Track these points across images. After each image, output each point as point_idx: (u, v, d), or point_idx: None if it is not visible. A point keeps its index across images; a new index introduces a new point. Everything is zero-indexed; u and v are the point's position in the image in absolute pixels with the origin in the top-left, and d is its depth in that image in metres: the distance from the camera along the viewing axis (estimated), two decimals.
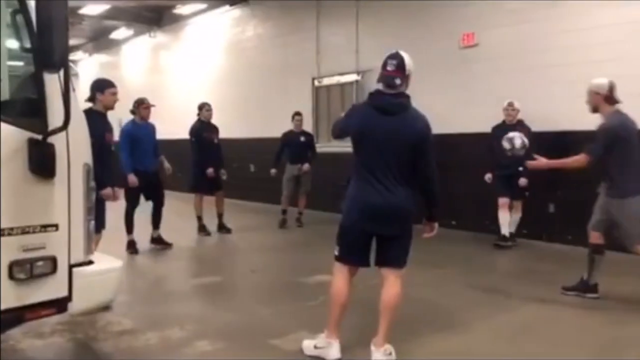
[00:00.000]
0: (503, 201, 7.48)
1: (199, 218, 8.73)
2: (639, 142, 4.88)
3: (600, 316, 4.74)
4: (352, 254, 3.72)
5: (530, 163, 5.23)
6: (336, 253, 3.76)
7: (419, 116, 3.69)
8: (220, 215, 8.88)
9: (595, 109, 4.98)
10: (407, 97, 3.67)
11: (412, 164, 3.62)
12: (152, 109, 7.54)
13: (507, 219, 7.49)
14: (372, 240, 3.71)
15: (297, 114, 9.43)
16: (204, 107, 8.81)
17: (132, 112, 7.44)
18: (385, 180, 3.58)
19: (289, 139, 9.34)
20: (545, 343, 4.13)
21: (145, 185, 7.17)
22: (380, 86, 3.68)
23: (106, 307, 4.73)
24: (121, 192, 5.50)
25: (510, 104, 7.36)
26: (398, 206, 3.62)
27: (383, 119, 3.57)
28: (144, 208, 7.47)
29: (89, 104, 5.35)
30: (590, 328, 4.50)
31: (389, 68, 3.62)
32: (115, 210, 5.50)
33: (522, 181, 7.17)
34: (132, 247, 7.25)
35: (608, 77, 6.89)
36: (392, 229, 3.65)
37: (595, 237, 5.09)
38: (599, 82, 4.95)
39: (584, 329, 4.48)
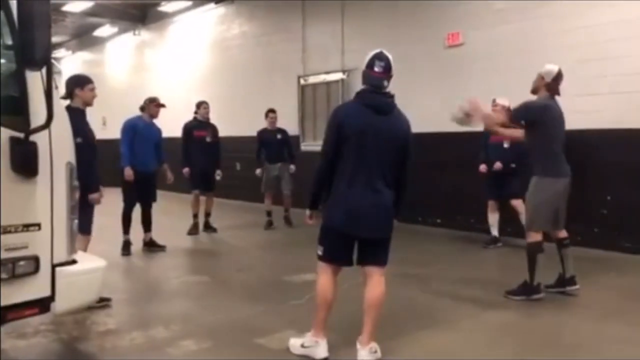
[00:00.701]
0: (491, 202, 7.52)
1: (195, 216, 8.71)
2: (560, 131, 5.10)
3: (583, 313, 4.80)
4: (336, 254, 3.71)
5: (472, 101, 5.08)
6: (319, 253, 3.74)
7: (403, 115, 3.73)
8: (207, 215, 8.87)
9: (534, 91, 5.21)
10: (393, 96, 3.68)
11: (399, 163, 3.64)
12: (161, 109, 7.48)
13: (495, 220, 7.52)
14: (355, 241, 3.70)
15: (271, 110, 9.23)
16: (201, 106, 8.76)
17: (142, 109, 7.37)
18: (373, 182, 3.57)
19: (265, 137, 9.16)
20: (529, 341, 4.18)
21: (141, 185, 7.06)
22: (366, 86, 3.66)
23: (105, 306, 4.76)
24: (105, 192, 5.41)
25: (494, 102, 7.39)
26: (386, 209, 3.63)
27: (378, 119, 3.56)
28: (136, 208, 7.36)
29: (66, 102, 5.17)
30: (573, 325, 4.56)
31: (377, 69, 3.60)
32: (105, 210, 5.44)
33: (497, 165, 7.17)
34: (127, 248, 7.13)
35: (594, 76, 7.02)
36: (379, 233, 3.65)
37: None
38: (548, 68, 5.13)
39: (566, 327, 4.53)
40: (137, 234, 7.35)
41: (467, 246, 7.66)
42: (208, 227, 8.88)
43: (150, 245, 7.43)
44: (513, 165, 7.08)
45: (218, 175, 8.69)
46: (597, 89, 7.00)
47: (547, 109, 5.02)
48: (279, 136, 9.15)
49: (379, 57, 3.63)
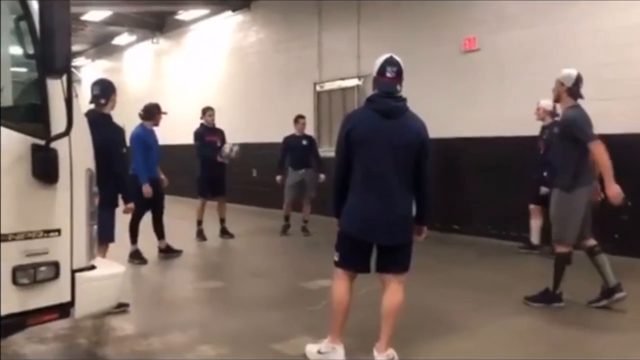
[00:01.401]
0: (531, 207, 7.30)
1: (199, 222, 8.70)
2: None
3: (605, 322, 4.73)
4: (353, 260, 3.70)
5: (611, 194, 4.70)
6: (336, 259, 3.74)
7: (418, 119, 3.69)
8: (222, 220, 8.86)
9: (557, 99, 5.14)
10: (405, 99, 3.67)
11: (414, 168, 3.61)
12: (163, 116, 7.50)
13: (534, 226, 7.29)
14: (373, 247, 3.69)
15: (301, 116, 9.18)
16: (207, 112, 8.78)
17: (142, 117, 7.27)
18: (390, 187, 3.55)
19: (291, 143, 9.07)
20: (549, 349, 4.12)
21: (154, 194, 7.02)
22: (377, 92, 3.66)
23: (123, 311, 4.79)
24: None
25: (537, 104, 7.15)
26: (402, 215, 3.60)
27: (387, 123, 3.55)
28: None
29: (92, 106, 5.14)
30: (595, 334, 4.49)
31: (389, 75, 3.58)
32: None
33: (543, 190, 6.79)
34: (138, 256, 7.05)
35: (611, 80, 6.94)
36: (396, 239, 3.62)
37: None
38: (566, 73, 5.00)
39: (589, 335, 4.47)
40: (147, 242, 7.28)
41: (485, 252, 7.59)
42: (225, 232, 8.86)
43: (167, 252, 7.44)
44: (545, 174, 6.84)
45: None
46: (614, 93, 6.91)
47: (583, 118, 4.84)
48: (304, 142, 9.07)
49: (390, 62, 3.61)
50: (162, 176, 7.45)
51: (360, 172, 3.59)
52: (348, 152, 3.60)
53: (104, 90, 5.18)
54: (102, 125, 4.67)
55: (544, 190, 6.80)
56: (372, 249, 3.68)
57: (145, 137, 7.12)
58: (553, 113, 7.01)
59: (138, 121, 7.31)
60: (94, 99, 5.15)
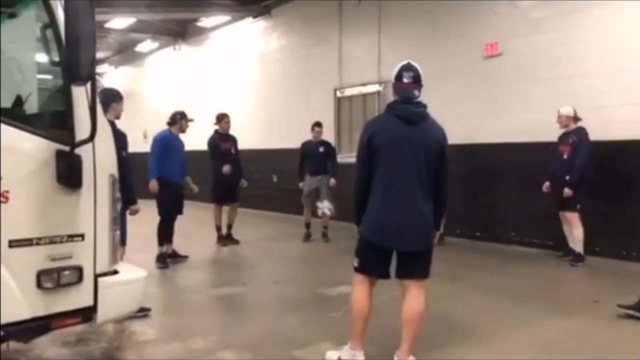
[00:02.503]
0: (561, 214, 7.17)
1: (218, 228, 8.78)
2: None
3: (635, 331, 4.62)
4: (372, 266, 3.69)
5: None
6: (355, 265, 3.73)
7: (438, 125, 3.70)
8: (229, 226, 8.89)
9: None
10: (425, 105, 3.66)
11: (434, 173, 3.59)
12: (189, 123, 7.64)
13: (568, 233, 7.13)
14: (393, 253, 3.68)
15: (317, 124, 9.16)
16: (223, 119, 8.80)
17: (170, 123, 7.52)
18: (409, 193, 3.54)
19: (308, 149, 9.06)
20: (569, 358, 4.05)
21: (176, 197, 7.22)
22: (396, 98, 3.66)
23: (145, 315, 4.83)
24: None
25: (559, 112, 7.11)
26: (422, 221, 3.58)
27: (408, 129, 3.54)
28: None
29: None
30: (620, 345, 4.40)
31: (405, 81, 3.59)
32: (140, 221, 5.57)
33: (567, 192, 6.80)
34: (163, 261, 7.18)
35: (634, 86, 6.84)
36: (416, 245, 3.60)
37: None
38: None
39: (610, 344, 4.38)
40: (152, 247, 7.26)
41: (508, 259, 7.49)
42: (230, 238, 8.85)
43: (173, 257, 7.45)
44: (567, 177, 6.82)
45: (243, 184, 8.78)
46: (638, 98, 6.80)
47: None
48: (321, 149, 9.00)
49: (407, 68, 3.62)
50: (192, 185, 7.74)
51: (381, 178, 3.58)
52: (369, 159, 3.60)
53: (103, 100, 5.27)
54: None
55: (567, 192, 6.79)
56: (392, 255, 3.67)
57: (167, 141, 7.32)
58: (576, 118, 6.94)
59: (160, 126, 7.45)
60: None
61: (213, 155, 8.71)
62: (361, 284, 3.72)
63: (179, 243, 7.61)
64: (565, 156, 6.94)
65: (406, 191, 3.54)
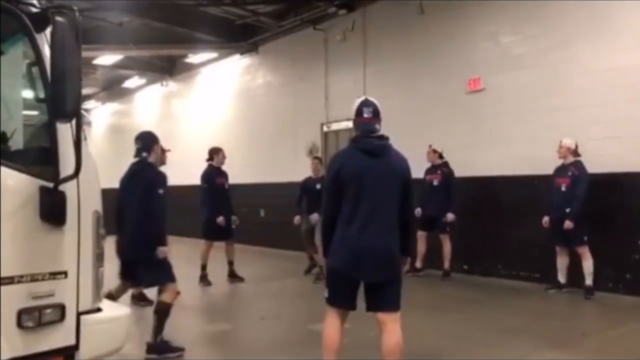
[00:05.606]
0: (557, 248, 7.19)
1: (203, 267, 8.47)
2: None
3: None
4: (339, 297, 3.68)
5: None
6: (325, 295, 3.72)
7: (401, 155, 3.78)
8: (230, 263, 8.65)
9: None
10: (387, 138, 3.73)
11: (400, 203, 3.65)
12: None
13: (560, 265, 7.16)
14: (360, 285, 3.66)
15: (315, 157, 8.94)
16: (219, 153, 8.62)
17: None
18: (375, 223, 3.57)
19: (305, 185, 8.77)
20: None
21: None
22: (358, 133, 3.73)
23: (179, 356, 4.78)
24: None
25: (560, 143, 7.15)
26: (388, 251, 3.61)
27: (373, 161, 3.62)
28: None
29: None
30: None
31: (366, 115, 3.69)
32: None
33: (567, 224, 6.78)
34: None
35: (617, 119, 6.98)
36: (381, 276, 3.61)
37: None
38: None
39: None
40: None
41: (496, 292, 7.48)
42: (234, 276, 8.62)
43: (141, 299, 6.79)
44: (567, 210, 6.83)
45: (235, 221, 8.53)
46: (622, 131, 6.92)
47: None
48: (317, 186, 8.21)
49: (366, 103, 3.73)
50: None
51: (348, 208, 3.62)
52: (337, 191, 3.64)
53: (145, 144, 5.32)
54: (146, 171, 5.11)
55: (568, 224, 6.77)
56: (359, 285, 3.67)
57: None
58: (575, 152, 7.03)
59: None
60: (137, 152, 5.29)
61: (208, 190, 8.46)
62: (332, 316, 3.71)
63: None
64: (563, 188, 6.97)
65: (372, 222, 3.57)
